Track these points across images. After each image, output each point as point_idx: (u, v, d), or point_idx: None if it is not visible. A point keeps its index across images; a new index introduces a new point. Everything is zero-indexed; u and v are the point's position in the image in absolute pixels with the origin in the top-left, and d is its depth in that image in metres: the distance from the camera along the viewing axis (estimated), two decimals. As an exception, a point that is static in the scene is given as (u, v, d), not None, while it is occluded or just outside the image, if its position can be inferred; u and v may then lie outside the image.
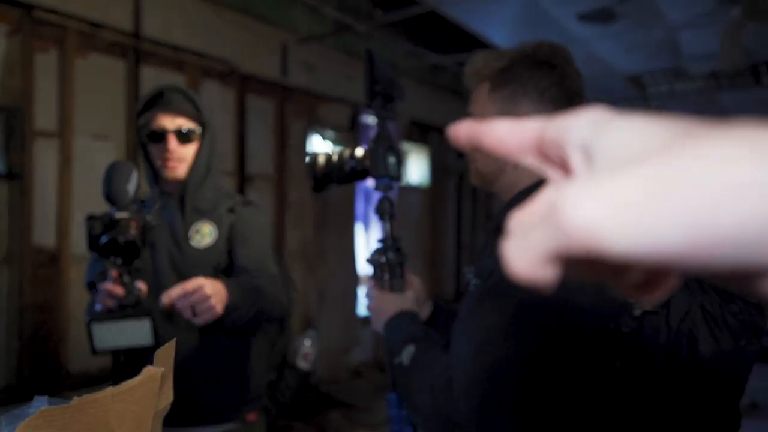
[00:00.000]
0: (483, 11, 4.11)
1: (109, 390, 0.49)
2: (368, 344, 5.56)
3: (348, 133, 5.17)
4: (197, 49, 3.77)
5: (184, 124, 1.61)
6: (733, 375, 0.89)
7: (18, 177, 2.88)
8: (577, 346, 0.88)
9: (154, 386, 0.53)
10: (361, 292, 5.56)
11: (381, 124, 1.20)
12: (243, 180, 4.16)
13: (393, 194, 1.23)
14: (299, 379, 1.80)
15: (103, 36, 3.24)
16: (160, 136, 1.60)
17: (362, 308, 5.55)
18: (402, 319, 1.12)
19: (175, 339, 0.59)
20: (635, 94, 6.49)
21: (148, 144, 1.64)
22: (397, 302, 1.15)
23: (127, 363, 1.45)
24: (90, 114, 3.27)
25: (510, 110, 1.06)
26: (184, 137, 1.61)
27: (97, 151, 3.30)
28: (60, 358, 3.10)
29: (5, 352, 2.94)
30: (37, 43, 2.98)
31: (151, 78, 3.52)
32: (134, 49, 3.42)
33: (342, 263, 5.14)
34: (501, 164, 1.07)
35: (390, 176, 1.19)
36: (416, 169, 6.52)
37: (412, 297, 1.19)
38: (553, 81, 1.04)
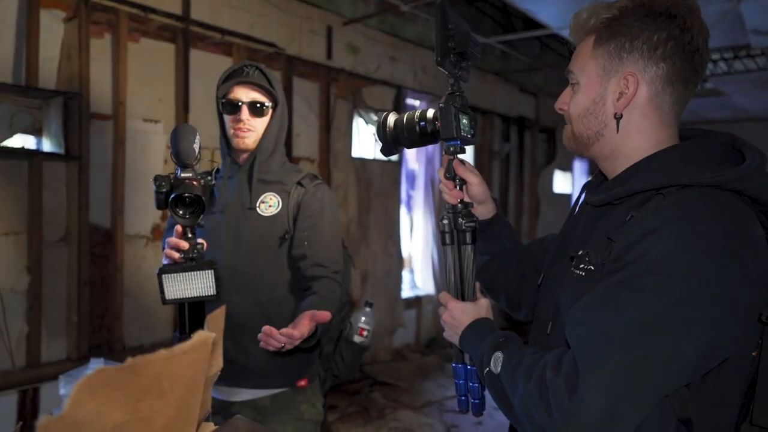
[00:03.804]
0: (531, -12, 3.98)
1: (162, 352, 0.51)
2: (411, 326, 5.58)
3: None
4: (244, 33, 3.81)
5: (258, 97, 1.71)
6: None
7: (76, 158, 2.99)
8: (727, 342, 0.81)
9: (205, 351, 0.54)
10: (406, 276, 5.57)
11: (453, 83, 1.10)
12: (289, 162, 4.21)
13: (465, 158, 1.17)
14: (354, 353, 1.85)
15: (154, 20, 3.31)
16: (235, 107, 1.70)
17: (405, 291, 5.56)
18: (479, 327, 1.07)
19: (225, 305, 0.60)
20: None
21: (223, 113, 1.74)
22: (472, 312, 1.10)
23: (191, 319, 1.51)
24: (142, 97, 3.36)
25: (613, 68, 0.95)
26: (257, 110, 1.71)
27: (149, 133, 3.40)
28: (116, 333, 3.23)
29: (65, 327, 3.08)
30: (92, 28, 3.07)
31: (200, 61, 3.59)
32: (183, 33, 3.49)
33: (385, 246, 5.15)
34: (599, 128, 0.98)
35: (462, 138, 1.10)
36: (461, 151, 6.44)
37: (486, 304, 1.13)
38: (671, 35, 0.91)
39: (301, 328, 1.44)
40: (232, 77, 1.72)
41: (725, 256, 0.81)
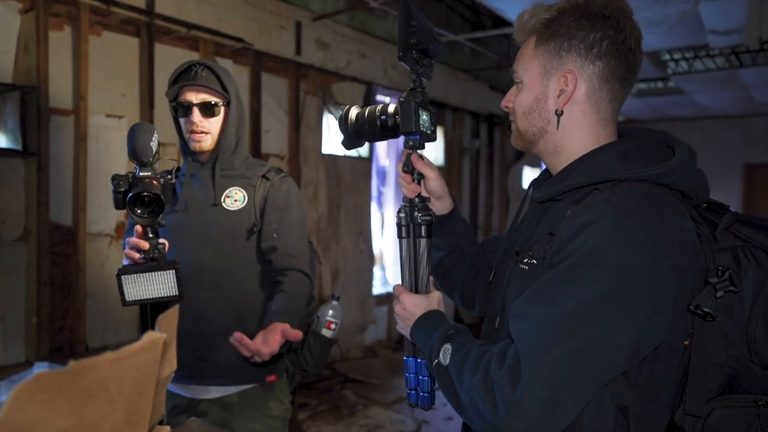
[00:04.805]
0: (500, -14, 4.00)
1: (108, 354, 0.48)
2: (383, 323, 5.58)
3: (362, 112, 5.12)
4: (211, 27, 3.75)
5: (208, 98, 1.68)
6: None
7: (34, 154, 2.90)
8: (659, 330, 0.85)
9: (155, 352, 0.52)
10: (377, 272, 5.56)
11: (415, 78, 1.12)
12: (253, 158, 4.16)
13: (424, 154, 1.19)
14: (322, 346, 1.85)
15: (117, 13, 3.22)
16: (186, 109, 1.68)
17: (376, 288, 5.56)
18: (430, 319, 1.08)
19: (177, 305, 0.58)
20: (654, 72, 6.34)
21: (177, 116, 1.72)
22: (424, 304, 1.11)
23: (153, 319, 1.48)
24: (104, 92, 3.27)
25: (554, 67, 0.99)
26: (208, 110, 1.68)
27: (112, 128, 3.31)
28: (78, 334, 3.14)
29: (24, 329, 2.99)
30: (51, 20, 2.97)
31: (165, 56, 3.51)
32: (148, 27, 3.41)
33: (356, 243, 5.14)
34: (543, 125, 1.02)
35: (421, 133, 1.12)
36: (430, 148, 6.46)
37: (438, 297, 1.15)
38: (605, 34, 0.95)
39: (272, 344, 1.47)
40: (180, 79, 1.69)
41: (655, 247, 0.84)
